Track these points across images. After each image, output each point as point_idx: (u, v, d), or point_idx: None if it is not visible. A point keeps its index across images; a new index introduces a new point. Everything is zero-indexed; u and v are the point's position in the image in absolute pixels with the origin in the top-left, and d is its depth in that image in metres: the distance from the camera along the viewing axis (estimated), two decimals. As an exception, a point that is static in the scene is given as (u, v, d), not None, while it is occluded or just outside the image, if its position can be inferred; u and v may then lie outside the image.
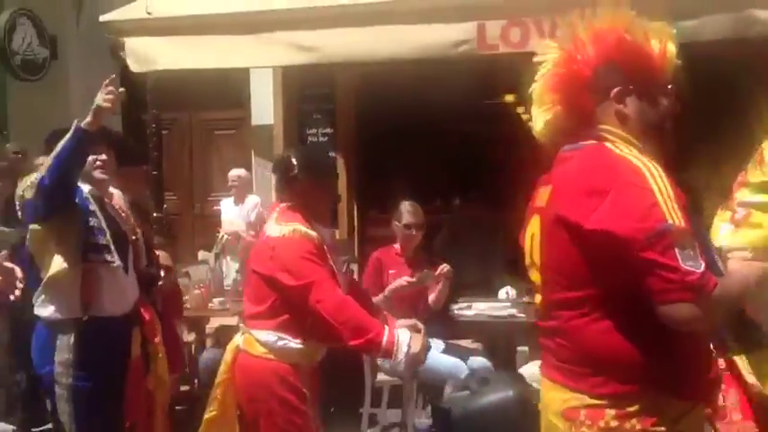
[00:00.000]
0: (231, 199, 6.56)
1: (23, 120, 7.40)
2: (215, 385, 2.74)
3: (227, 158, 7.67)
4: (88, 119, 2.57)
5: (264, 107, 6.93)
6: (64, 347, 2.74)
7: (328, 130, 6.75)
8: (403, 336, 2.51)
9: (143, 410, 3.07)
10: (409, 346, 2.49)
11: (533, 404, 1.80)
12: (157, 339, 3.15)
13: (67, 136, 2.58)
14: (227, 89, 7.01)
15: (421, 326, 2.72)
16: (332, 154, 6.80)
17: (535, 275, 1.83)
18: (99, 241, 2.74)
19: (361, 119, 6.75)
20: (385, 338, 2.46)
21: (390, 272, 4.24)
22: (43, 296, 2.77)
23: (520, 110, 9.41)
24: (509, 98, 7.98)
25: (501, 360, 4.19)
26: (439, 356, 4.01)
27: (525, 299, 4.81)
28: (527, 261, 1.87)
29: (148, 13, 4.28)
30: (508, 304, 4.52)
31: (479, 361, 4.05)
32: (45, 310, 2.78)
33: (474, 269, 5.69)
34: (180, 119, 7.91)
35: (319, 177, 2.69)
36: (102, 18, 4.52)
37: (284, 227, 2.58)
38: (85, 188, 2.83)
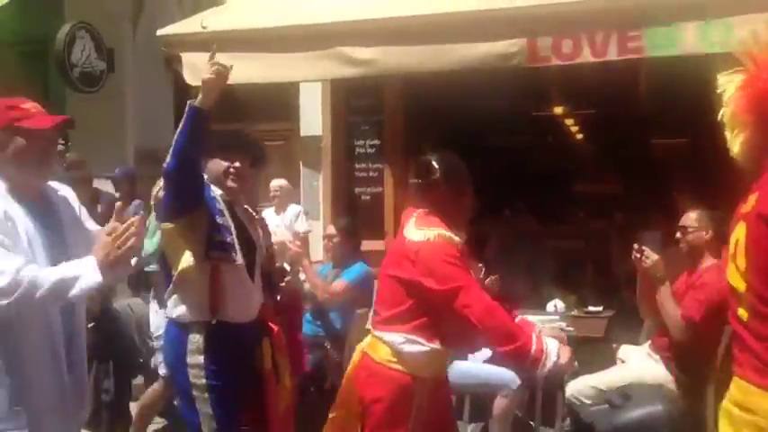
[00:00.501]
0: (272, 209, 6.64)
1: (80, 130, 7.63)
2: (341, 386, 2.76)
3: (275, 169, 7.78)
4: (200, 96, 2.62)
5: (313, 118, 7.02)
6: (195, 349, 2.75)
7: (376, 142, 6.80)
8: (551, 345, 2.47)
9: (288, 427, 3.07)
10: (558, 356, 2.45)
11: (681, 418, 1.75)
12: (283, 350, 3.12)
13: (183, 117, 2.62)
14: (277, 101, 7.12)
15: (564, 336, 2.68)
16: (379, 165, 6.87)
17: (737, 281, 1.83)
18: (225, 239, 2.75)
19: (408, 130, 6.78)
20: (534, 347, 2.43)
21: None
22: (175, 295, 2.80)
23: (569, 121, 9.36)
24: (558, 110, 7.93)
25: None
26: (490, 367, 4.00)
27: (574, 312, 4.76)
28: (729, 269, 1.87)
29: (203, 28, 4.38)
30: (557, 317, 4.48)
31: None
32: (176, 309, 2.81)
33: (522, 281, 5.66)
34: (229, 131, 8.04)
35: (459, 183, 2.68)
36: (159, 32, 4.65)
37: (427, 231, 2.57)
38: (216, 191, 2.86)
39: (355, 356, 2.72)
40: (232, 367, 2.75)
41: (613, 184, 8.83)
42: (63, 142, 6.42)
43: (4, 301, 2.05)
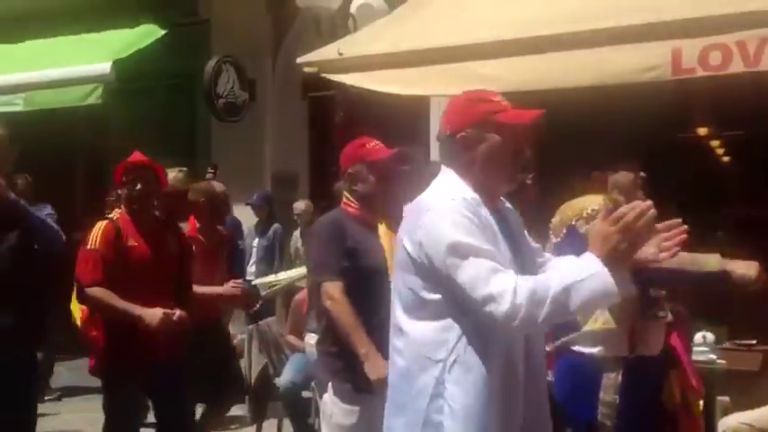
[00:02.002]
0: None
1: (223, 157, 8.07)
2: None
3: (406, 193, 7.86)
4: None
5: (443, 143, 7.03)
6: (610, 386, 2.66)
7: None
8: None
9: None
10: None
11: None
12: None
13: None
14: (407, 126, 7.20)
15: None
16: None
17: None
18: None
19: (542, 149, 6.63)
20: None
21: None
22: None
23: (714, 143, 8.81)
24: (702, 131, 7.49)
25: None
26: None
27: (726, 344, 4.45)
28: None
29: (340, 54, 4.54)
30: (706, 349, 4.19)
31: None
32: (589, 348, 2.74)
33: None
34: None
35: None
36: (299, 60, 4.85)
37: None
38: None
39: None
40: (644, 405, 2.67)
41: (764, 210, 8.22)
42: (212, 171, 6.78)
43: (510, 324, 1.70)
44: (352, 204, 3.03)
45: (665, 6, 3.76)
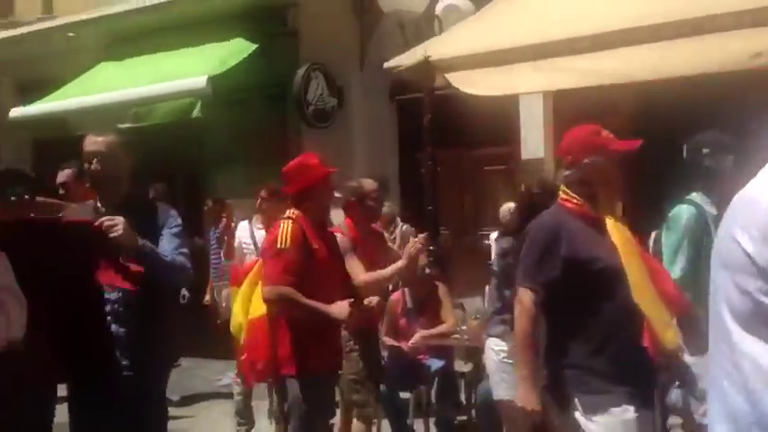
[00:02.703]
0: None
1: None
2: None
3: (498, 193, 7.79)
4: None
5: (534, 141, 6.95)
6: None
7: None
8: None
9: None
10: None
11: None
12: None
13: None
14: (497, 125, 7.15)
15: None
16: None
17: None
18: None
19: (643, 148, 6.43)
20: None
21: None
22: None
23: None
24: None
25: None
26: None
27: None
28: None
29: (427, 57, 4.56)
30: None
31: None
32: None
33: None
34: (451, 156, 8.22)
35: None
36: (386, 65, 4.91)
37: None
38: None
39: None
40: None
41: None
42: None
43: None
44: (574, 200, 2.73)
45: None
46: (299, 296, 3.29)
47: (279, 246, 3.36)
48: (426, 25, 6.64)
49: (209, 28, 8.32)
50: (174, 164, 9.46)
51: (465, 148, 7.90)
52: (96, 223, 2.74)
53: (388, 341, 5.06)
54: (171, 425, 3.29)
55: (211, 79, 7.39)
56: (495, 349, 3.81)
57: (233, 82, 7.72)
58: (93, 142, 3.06)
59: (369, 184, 4.31)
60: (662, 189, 3.79)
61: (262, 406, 5.21)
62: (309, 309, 3.30)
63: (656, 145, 6.29)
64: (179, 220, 3.10)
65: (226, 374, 6.35)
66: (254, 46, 8.01)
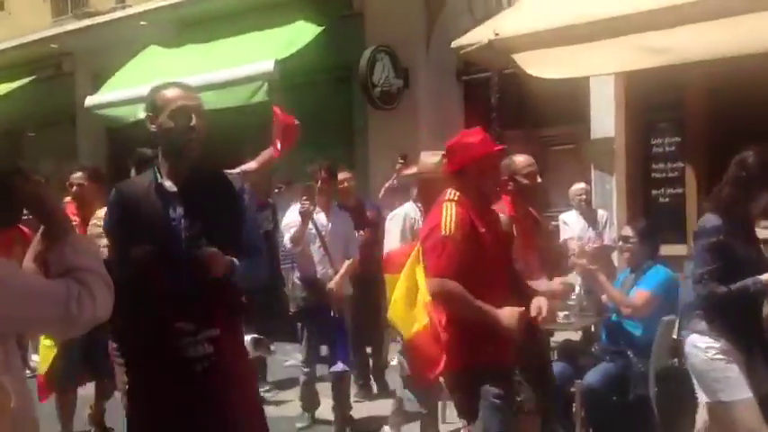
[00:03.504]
0: (573, 212, 6.50)
1: (379, 144, 8.23)
2: None
3: (566, 173, 7.63)
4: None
5: (604, 120, 6.77)
6: None
7: (676, 139, 6.33)
8: None
9: None
10: None
11: None
12: None
13: None
14: (566, 104, 6.98)
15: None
16: (680, 164, 6.37)
17: None
18: None
19: (713, 124, 6.20)
20: None
21: None
22: None
23: None
24: None
25: None
26: None
27: None
28: None
29: (496, 35, 4.46)
30: None
31: None
32: None
33: None
34: (518, 136, 8.08)
35: None
36: (454, 44, 4.84)
37: None
38: None
39: None
40: None
41: None
42: (402, 160, 6.80)
43: None
44: None
45: None
46: (467, 295, 2.95)
47: (443, 232, 2.98)
48: (496, 3, 6.53)
49: (275, 11, 8.37)
50: (243, 148, 9.63)
51: (533, 127, 7.76)
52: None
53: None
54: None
55: (279, 63, 7.44)
56: (703, 347, 3.31)
57: (299, 65, 7.76)
58: (189, 96, 2.59)
59: (521, 160, 3.77)
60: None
61: (324, 388, 5.26)
62: (478, 311, 2.96)
63: (734, 130, 6.08)
64: (249, 191, 2.74)
65: (293, 356, 6.44)
66: (320, 28, 8.03)
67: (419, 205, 4.35)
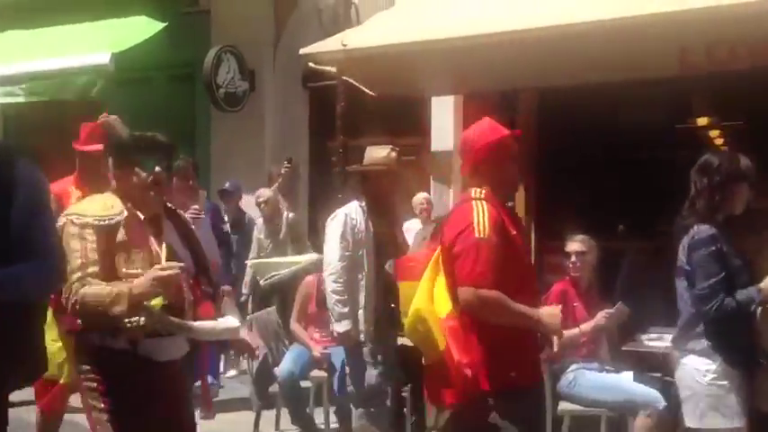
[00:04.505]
0: (416, 220, 6.72)
1: (223, 148, 8.05)
2: None
3: (407, 183, 7.86)
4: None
5: (444, 133, 7.04)
6: None
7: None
8: None
9: None
10: None
11: None
12: None
13: None
14: (407, 116, 7.20)
15: None
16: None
17: None
18: None
19: (542, 143, 6.64)
20: None
21: (574, 305, 4.16)
22: None
23: (714, 133, 8.80)
24: (702, 121, 7.49)
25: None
26: (634, 384, 3.85)
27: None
28: None
29: (344, 45, 4.51)
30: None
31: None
32: None
33: (660, 302, 5.38)
34: (362, 145, 8.20)
35: None
36: (302, 51, 4.83)
37: None
38: None
39: None
40: None
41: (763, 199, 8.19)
42: (288, 164, 6.63)
43: None
44: None
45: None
46: (507, 300, 2.65)
47: (478, 235, 2.64)
48: (344, 13, 6.60)
49: (115, 4, 7.96)
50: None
51: (376, 137, 7.91)
52: None
53: (297, 329, 5.00)
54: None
55: (116, 55, 7.06)
56: (702, 369, 3.13)
57: (139, 59, 7.41)
58: None
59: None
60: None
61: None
62: (520, 316, 2.67)
63: (560, 151, 6.53)
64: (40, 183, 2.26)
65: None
66: (163, 24, 7.72)
67: (363, 205, 4.16)
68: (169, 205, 2.89)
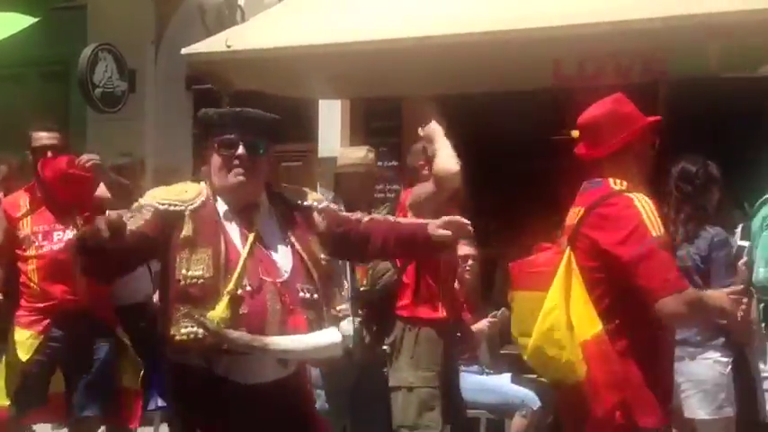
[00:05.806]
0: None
1: (101, 150, 7.68)
2: None
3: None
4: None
5: (332, 139, 7.04)
6: None
7: (394, 163, 6.79)
8: None
9: None
10: None
11: None
12: None
13: None
14: (295, 121, 7.15)
15: None
16: (397, 186, 6.84)
17: None
18: None
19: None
20: None
21: None
22: None
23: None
24: (576, 133, 7.86)
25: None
26: (510, 385, 3.98)
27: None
28: None
29: (228, 46, 4.43)
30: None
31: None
32: None
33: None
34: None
35: None
36: (184, 51, 4.70)
37: None
38: None
39: None
40: None
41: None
42: None
43: None
44: None
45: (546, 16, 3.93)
46: (701, 293, 2.37)
47: (654, 234, 2.23)
48: (228, 13, 6.48)
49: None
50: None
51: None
52: None
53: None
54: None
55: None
56: (724, 361, 3.31)
57: (7, 55, 6.98)
58: None
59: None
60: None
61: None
62: (714, 309, 2.38)
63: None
64: None
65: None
66: (35, 19, 7.30)
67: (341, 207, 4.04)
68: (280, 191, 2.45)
